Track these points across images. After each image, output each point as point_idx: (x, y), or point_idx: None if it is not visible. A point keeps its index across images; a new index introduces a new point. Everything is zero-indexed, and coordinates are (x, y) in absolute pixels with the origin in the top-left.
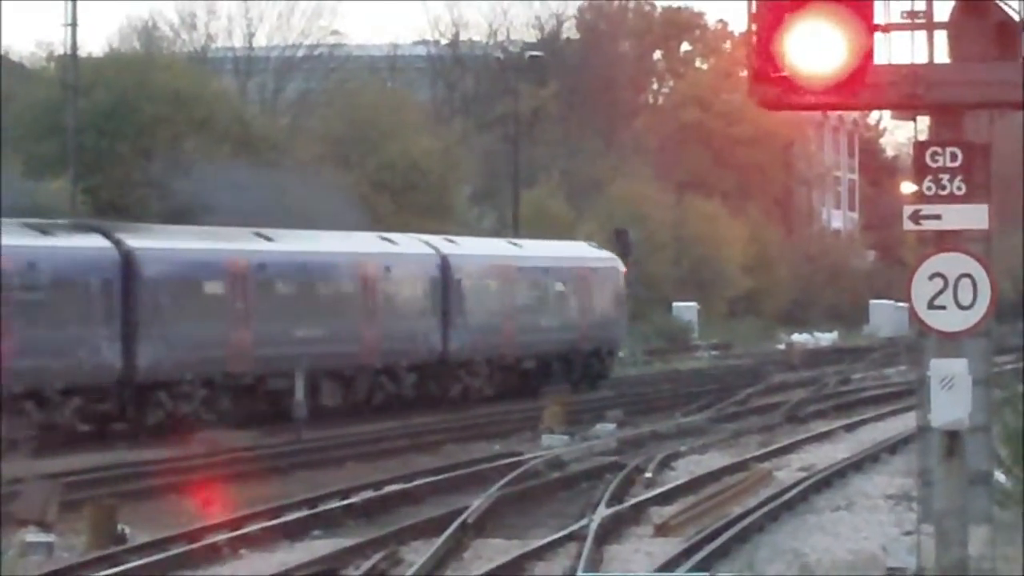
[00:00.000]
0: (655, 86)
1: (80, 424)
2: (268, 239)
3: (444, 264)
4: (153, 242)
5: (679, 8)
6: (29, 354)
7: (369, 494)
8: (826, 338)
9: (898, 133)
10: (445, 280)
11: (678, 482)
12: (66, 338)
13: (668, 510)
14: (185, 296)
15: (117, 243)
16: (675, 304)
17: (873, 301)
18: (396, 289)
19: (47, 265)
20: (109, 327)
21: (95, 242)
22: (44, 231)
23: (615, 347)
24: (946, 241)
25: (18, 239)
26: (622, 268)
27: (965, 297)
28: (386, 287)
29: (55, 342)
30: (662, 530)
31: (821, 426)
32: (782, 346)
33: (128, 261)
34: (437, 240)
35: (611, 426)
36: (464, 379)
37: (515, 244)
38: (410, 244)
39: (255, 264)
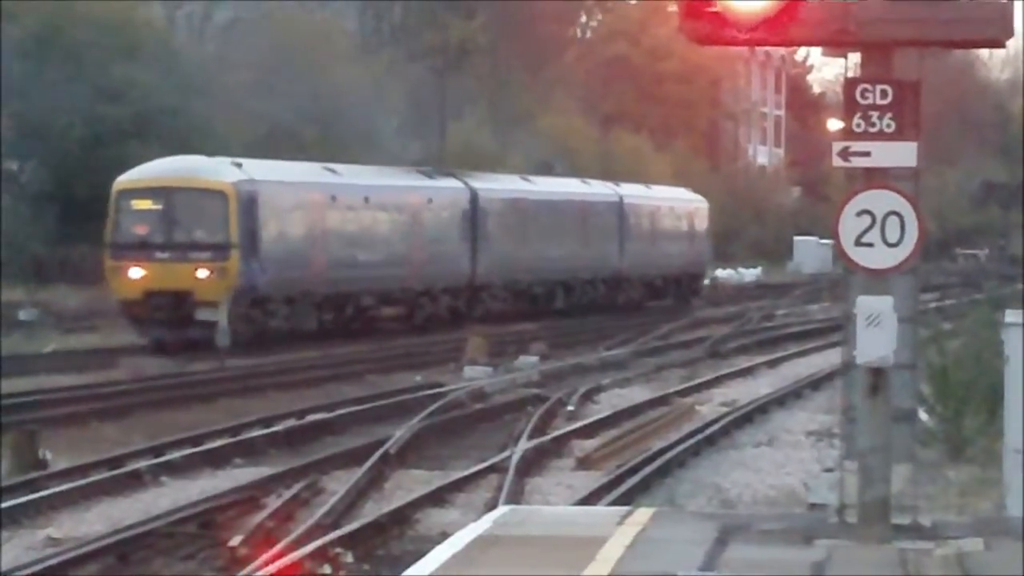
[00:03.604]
0: (583, 20)
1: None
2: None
3: (474, 198)
4: (486, 184)
5: None
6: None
7: (291, 423)
8: (750, 274)
9: (825, 70)
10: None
11: (600, 416)
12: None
13: (590, 443)
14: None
15: (467, 184)
16: None
17: (797, 238)
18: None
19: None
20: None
21: (456, 183)
22: (430, 176)
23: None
24: (874, 178)
25: (418, 181)
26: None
27: (892, 234)
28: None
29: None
30: (583, 463)
31: (744, 362)
32: (706, 281)
33: (475, 196)
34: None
35: (534, 359)
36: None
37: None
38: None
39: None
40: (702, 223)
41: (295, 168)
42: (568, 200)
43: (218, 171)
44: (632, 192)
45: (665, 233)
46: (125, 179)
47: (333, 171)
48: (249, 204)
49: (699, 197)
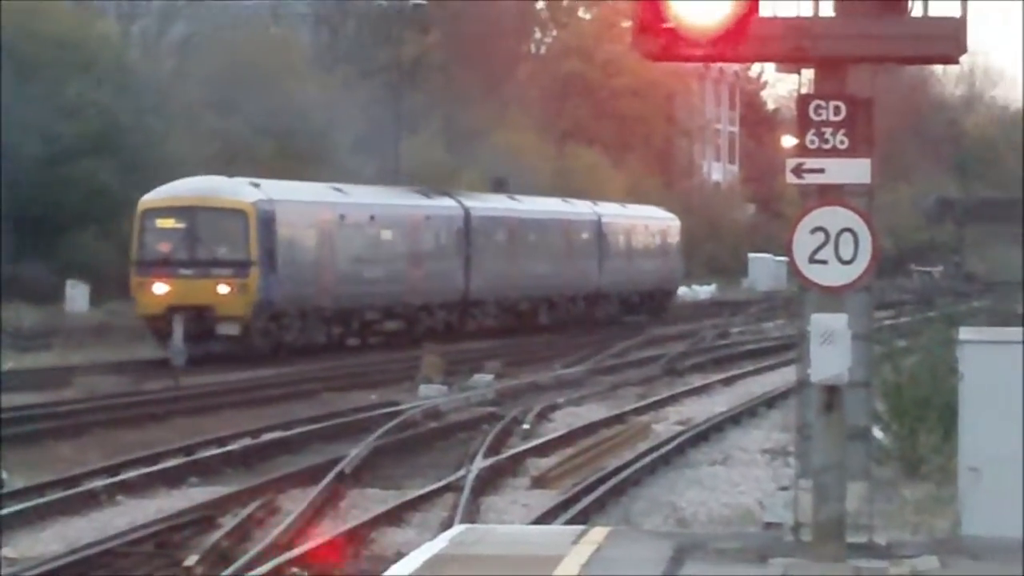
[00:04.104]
0: (538, 36)
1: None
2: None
3: (467, 216)
4: (478, 203)
5: None
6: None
7: (247, 442)
8: (705, 291)
9: (779, 86)
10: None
11: (556, 434)
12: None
13: (545, 462)
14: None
15: (460, 203)
16: None
17: (752, 255)
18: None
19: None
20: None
21: (450, 203)
22: (426, 195)
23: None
24: (828, 195)
25: (416, 200)
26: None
27: (846, 252)
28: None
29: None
30: (539, 482)
31: (699, 380)
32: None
33: (468, 215)
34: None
35: (489, 377)
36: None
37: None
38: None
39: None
40: (674, 240)
41: (307, 188)
42: (552, 219)
43: (238, 191)
44: (609, 211)
45: (640, 250)
46: (149, 199)
47: (340, 191)
48: (268, 223)
49: (671, 215)
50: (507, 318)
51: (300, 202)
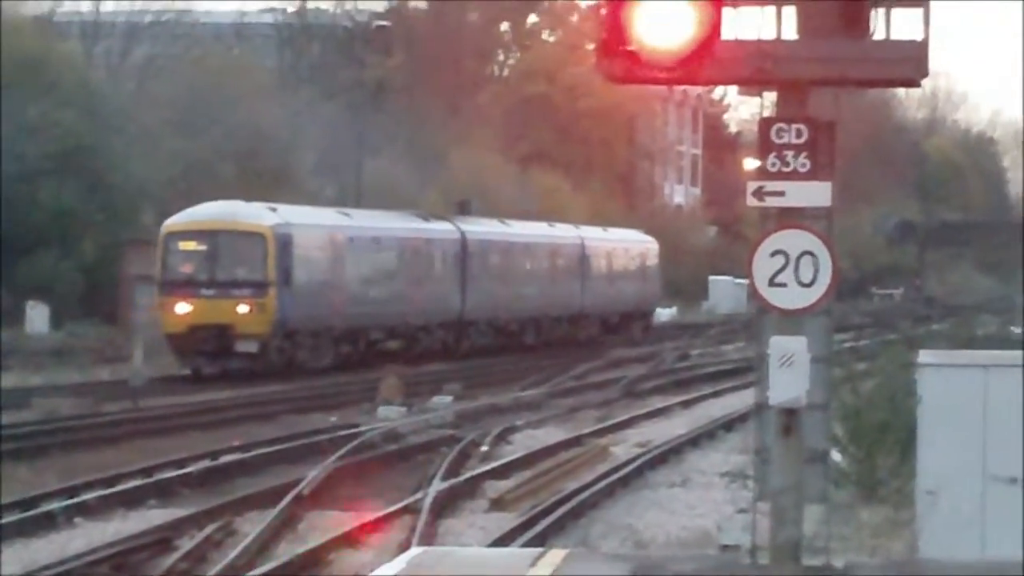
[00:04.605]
0: (501, 57)
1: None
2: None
3: (463, 240)
4: (473, 227)
5: None
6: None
7: (205, 463)
8: (665, 313)
9: (742, 109)
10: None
11: (514, 456)
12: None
13: (503, 484)
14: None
15: (457, 227)
16: None
17: (713, 277)
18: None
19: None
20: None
21: (448, 226)
22: (425, 219)
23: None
24: (789, 218)
25: (417, 224)
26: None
27: (806, 275)
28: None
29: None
30: (497, 504)
31: (658, 402)
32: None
33: (464, 238)
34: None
35: (448, 399)
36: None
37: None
38: (438, 222)
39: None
40: (653, 263)
41: (318, 213)
42: (540, 242)
43: (257, 215)
44: (592, 234)
45: (621, 273)
46: (172, 222)
47: (348, 215)
48: (284, 245)
49: (650, 239)
50: (500, 337)
51: (313, 226)
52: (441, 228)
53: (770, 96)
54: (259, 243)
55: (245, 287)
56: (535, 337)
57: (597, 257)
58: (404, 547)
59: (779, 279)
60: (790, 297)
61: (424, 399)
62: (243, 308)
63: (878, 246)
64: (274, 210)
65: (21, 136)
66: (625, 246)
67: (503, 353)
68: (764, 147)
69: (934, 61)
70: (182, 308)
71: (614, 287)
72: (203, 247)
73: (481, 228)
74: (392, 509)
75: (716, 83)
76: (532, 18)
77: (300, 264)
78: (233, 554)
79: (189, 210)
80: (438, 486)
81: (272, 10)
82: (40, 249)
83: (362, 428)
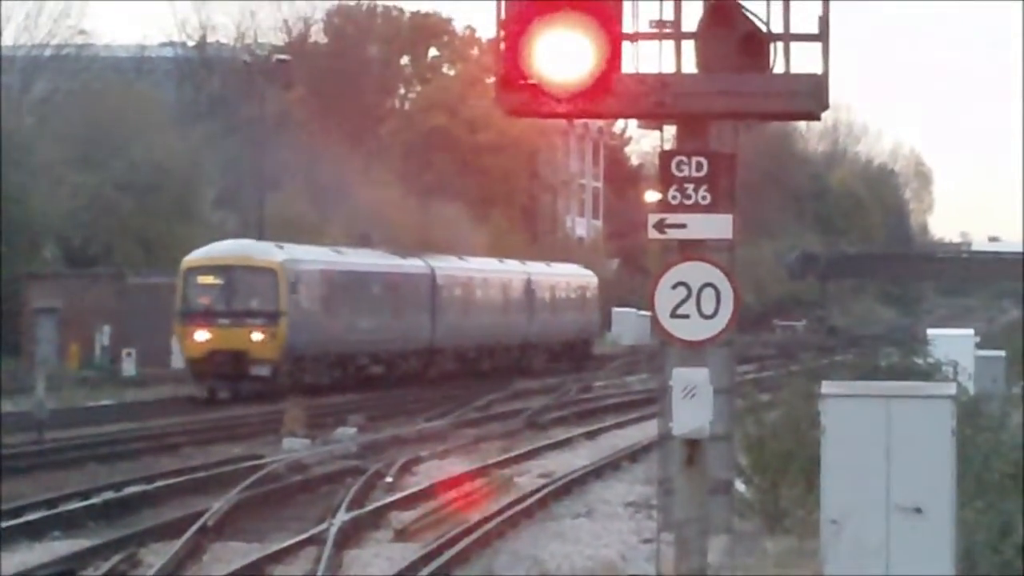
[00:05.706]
0: (402, 91)
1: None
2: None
3: (433, 275)
4: (440, 263)
5: (427, 14)
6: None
7: (109, 495)
8: None
9: (643, 142)
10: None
11: (419, 487)
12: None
13: (408, 515)
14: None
15: (427, 263)
16: None
17: (616, 309)
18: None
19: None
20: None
21: (419, 263)
22: (401, 256)
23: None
24: (690, 250)
25: (395, 260)
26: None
27: (708, 306)
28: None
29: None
30: (402, 535)
31: (562, 433)
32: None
33: (433, 274)
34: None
35: (352, 430)
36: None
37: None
38: (412, 259)
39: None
40: (592, 295)
41: (317, 250)
42: (496, 277)
43: (268, 252)
44: (537, 270)
45: (563, 304)
46: (191, 258)
47: (340, 252)
48: (293, 279)
49: (590, 273)
50: (463, 364)
51: (315, 261)
52: (414, 264)
53: (670, 129)
54: (271, 277)
55: (259, 316)
56: (489, 364)
57: (541, 290)
58: None
59: (681, 311)
60: (692, 329)
61: (328, 430)
62: (257, 336)
63: (780, 278)
64: (282, 247)
65: None
66: (567, 279)
67: (405, 385)
68: (665, 180)
69: (834, 94)
70: (201, 335)
71: (556, 318)
72: (220, 281)
73: (448, 264)
74: (297, 540)
75: (616, 116)
76: (432, 52)
77: (305, 296)
78: None
79: (206, 247)
80: (343, 517)
81: (172, 44)
82: None
83: (266, 460)
